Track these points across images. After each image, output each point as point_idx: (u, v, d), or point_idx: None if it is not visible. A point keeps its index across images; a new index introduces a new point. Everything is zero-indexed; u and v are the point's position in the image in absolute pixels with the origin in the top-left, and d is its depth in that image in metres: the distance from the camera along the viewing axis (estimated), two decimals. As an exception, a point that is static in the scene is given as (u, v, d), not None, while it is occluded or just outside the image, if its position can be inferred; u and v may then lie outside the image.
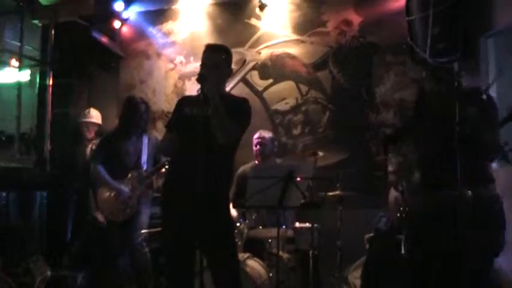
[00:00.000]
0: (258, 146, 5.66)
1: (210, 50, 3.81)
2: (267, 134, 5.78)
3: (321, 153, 5.53)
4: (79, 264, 6.05)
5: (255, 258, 4.98)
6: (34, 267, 5.54)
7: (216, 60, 3.75)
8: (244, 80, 6.98)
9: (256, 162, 5.70)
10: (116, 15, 7.30)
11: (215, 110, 3.52)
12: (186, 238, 3.61)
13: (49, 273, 5.65)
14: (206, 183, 3.34)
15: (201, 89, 3.57)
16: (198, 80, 3.56)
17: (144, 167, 5.30)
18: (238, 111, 3.72)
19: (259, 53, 6.98)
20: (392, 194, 4.80)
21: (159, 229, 5.10)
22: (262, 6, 6.94)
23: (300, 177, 3.97)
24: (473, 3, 5.20)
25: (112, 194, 5.23)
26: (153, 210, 5.48)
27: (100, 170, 5.31)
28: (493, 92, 5.11)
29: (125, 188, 5.20)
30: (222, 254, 3.65)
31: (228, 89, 5.43)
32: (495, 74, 5.14)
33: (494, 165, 5.05)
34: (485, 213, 3.43)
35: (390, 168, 4.87)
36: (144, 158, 5.30)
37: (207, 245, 3.57)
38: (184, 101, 3.89)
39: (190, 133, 3.55)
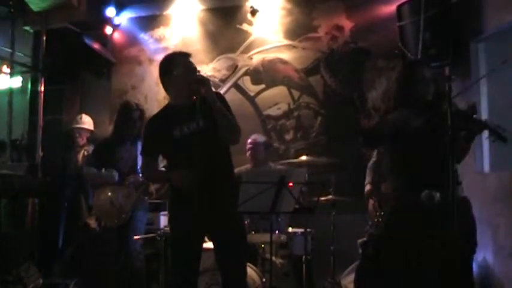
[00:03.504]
0: (250, 151, 5.68)
1: (187, 56, 3.80)
2: (260, 138, 5.79)
3: (313, 158, 5.54)
4: (71, 271, 6.03)
5: (248, 264, 4.96)
6: (25, 275, 5.51)
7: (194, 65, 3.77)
8: (236, 86, 6.99)
9: (249, 166, 5.70)
10: (108, 21, 7.30)
11: (220, 112, 3.54)
12: (199, 239, 3.70)
13: (41, 281, 5.62)
14: (221, 187, 3.56)
15: (195, 94, 3.58)
16: (195, 85, 3.57)
17: (140, 173, 5.27)
18: (226, 106, 3.73)
19: (251, 59, 6.99)
20: (370, 202, 4.84)
21: (152, 235, 5.11)
22: (253, 12, 6.96)
23: (292, 182, 3.96)
24: (463, 8, 5.25)
25: (107, 200, 5.21)
26: (148, 217, 5.50)
27: (91, 169, 5.31)
28: (483, 96, 5.15)
29: (114, 173, 5.19)
30: (234, 253, 3.68)
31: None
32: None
33: (486, 169, 5.09)
34: (464, 213, 3.49)
35: (367, 179, 4.93)
36: (140, 163, 5.28)
37: (219, 243, 3.68)
38: (161, 122, 3.82)
39: (190, 150, 3.56)
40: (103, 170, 5.25)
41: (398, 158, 3.73)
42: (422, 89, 3.66)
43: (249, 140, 5.72)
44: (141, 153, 3.99)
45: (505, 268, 4.65)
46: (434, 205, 3.39)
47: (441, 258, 3.37)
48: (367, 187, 4.92)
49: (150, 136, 3.86)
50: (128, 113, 5.33)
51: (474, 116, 3.48)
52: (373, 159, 4.98)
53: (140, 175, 5.23)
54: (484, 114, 5.10)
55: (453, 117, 3.25)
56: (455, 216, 3.04)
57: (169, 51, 4.07)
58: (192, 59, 3.78)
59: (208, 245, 3.95)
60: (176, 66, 3.72)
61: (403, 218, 3.60)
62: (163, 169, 4.12)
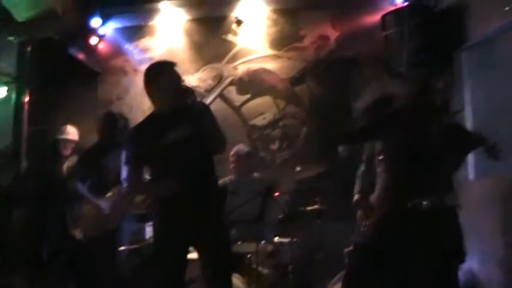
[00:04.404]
0: (233, 163, 5.67)
1: (171, 65, 3.77)
2: (242, 150, 5.75)
3: (299, 168, 5.54)
4: (56, 282, 5.97)
5: (235, 274, 4.94)
6: (12, 286, 5.46)
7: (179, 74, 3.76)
8: (222, 96, 7.00)
9: (233, 177, 5.69)
10: (93, 31, 7.27)
11: (207, 122, 3.53)
12: (183, 248, 3.68)
13: (27, 291, 5.57)
14: (205, 196, 3.54)
15: (180, 103, 3.57)
16: (180, 94, 3.56)
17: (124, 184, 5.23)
18: (211, 116, 3.73)
19: (237, 69, 7.01)
20: (358, 212, 4.85)
21: (139, 245, 5.08)
22: (239, 22, 6.98)
23: (278, 191, 3.97)
24: (447, 17, 5.30)
25: (93, 210, 5.16)
26: (134, 227, 5.47)
27: (79, 187, 5.25)
28: (467, 105, 5.19)
29: (104, 204, 5.13)
30: (219, 263, 3.66)
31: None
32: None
33: (470, 177, 5.12)
34: (454, 221, 3.50)
35: (356, 188, 4.92)
36: (125, 173, 5.23)
37: (204, 252, 3.67)
38: (146, 130, 3.78)
39: (174, 158, 3.55)
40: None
41: (386, 167, 3.74)
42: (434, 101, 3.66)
43: (232, 152, 5.70)
44: (125, 163, 3.90)
45: (490, 276, 4.67)
46: (422, 213, 3.40)
47: (427, 266, 3.38)
48: (356, 197, 4.91)
49: (133, 145, 3.82)
50: (112, 123, 5.29)
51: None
52: (362, 168, 4.97)
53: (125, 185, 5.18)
54: (468, 123, 5.13)
55: (452, 128, 3.29)
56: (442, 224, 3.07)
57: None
58: (177, 68, 3.77)
59: (195, 255, 3.93)
60: (161, 74, 3.70)
61: (388, 227, 3.60)
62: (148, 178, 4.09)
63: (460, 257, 3.57)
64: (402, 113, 3.66)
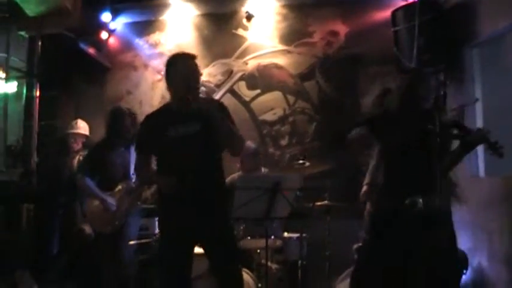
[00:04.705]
0: (240, 162, 5.67)
1: (190, 58, 3.73)
2: (249, 149, 5.72)
3: (307, 164, 5.54)
4: (66, 278, 6.01)
5: (244, 269, 4.96)
6: (20, 281, 5.49)
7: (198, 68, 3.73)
8: (232, 91, 7.00)
9: (241, 173, 5.69)
10: (103, 26, 7.27)
11: (222, 124, 3.52)
12: (188, 244, 3.67)
13: (35, 287, 5.60)
14: (210, 192, 3.55)
15: (192, 99, 3.56)
16: (193, 90, 3.56)
17: (133, 178, 5.25)
18: (227, 115, 3.72)
19: (247, 64, 7.00)
20: (366, 208, 4.85)
21: (147, 240, 5.09)
22: (249, 17, 6.97)
23: (287, 188, 3.97)
24: (457, 14, 5.27)
25: (100, 205, 5.17)
26: (141, 222, 5.48)
27: (86, 182, 5.26)
28: (478, 101, 5.17)
29: (111, 200, 5.14)
30: (226, 256, 3.66)
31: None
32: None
33: (481, 174, 5.10)
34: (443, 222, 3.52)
35: (366, 180, 4.92)
36: (133, 169, 5.25)
37: (211, 248, 3.67)
38: (158, 119, 3.77)
39: (182, 151, 3.55)
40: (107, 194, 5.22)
41: (385, 165, 3.76)
42: (425, 98, 3.64)
43: None
44: (135, 150, 3.92)
45: (499, 273, 4.66)
46: (417, 211, 3.40)
47: (422, 264, 3.38)
48: (364, 188, 4.91)
49: (145, 133, 3.83)
50: (120, 119, 5.28)
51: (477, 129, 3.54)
52: (373, 162, 4.96)
53: (133, 181, 5.21)
54: (478, 119, 5.12)
55: (449, 126, 3.27)
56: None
57: (164, 57, 4.00)
58: (195, 62, 3.71)
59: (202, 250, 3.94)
60: (178, 66, 3.68)
61: (383, 225, 3.62)
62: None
63: (454, 254, 3.58)
64: (392, 109, 3.67)
